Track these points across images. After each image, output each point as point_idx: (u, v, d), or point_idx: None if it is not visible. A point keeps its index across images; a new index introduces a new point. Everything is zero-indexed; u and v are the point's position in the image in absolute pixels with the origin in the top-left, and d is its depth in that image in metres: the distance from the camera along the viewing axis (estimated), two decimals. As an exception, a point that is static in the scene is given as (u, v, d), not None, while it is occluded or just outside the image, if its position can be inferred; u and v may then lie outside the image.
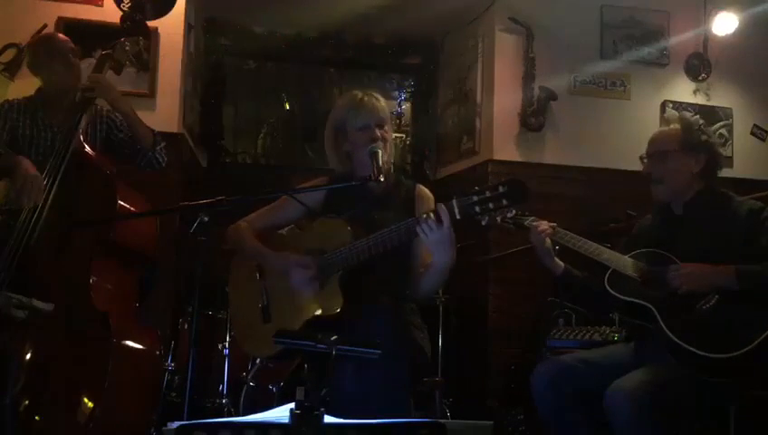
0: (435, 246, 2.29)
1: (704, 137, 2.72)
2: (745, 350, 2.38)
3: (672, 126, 2.77)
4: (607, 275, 2.68)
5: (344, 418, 1.44)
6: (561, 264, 2.78)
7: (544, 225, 2.73)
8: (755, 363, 2.42)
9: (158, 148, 3.31)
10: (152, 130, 3.33)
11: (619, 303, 2.65)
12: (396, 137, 6.01)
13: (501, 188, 2.09)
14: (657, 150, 2.76)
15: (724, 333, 2.44)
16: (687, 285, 2.51)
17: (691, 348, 2.43)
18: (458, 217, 2.16)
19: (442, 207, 2.19)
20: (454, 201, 2.16)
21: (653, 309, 2.54)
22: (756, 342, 2.38)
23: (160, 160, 3.34)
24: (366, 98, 2.62)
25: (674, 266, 2.56)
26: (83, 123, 3.07)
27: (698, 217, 2.69)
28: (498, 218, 2.12)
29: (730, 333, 2.43)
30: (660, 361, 2.50)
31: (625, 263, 2.66)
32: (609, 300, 2.67)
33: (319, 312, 2.41)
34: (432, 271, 2.43)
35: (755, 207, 2.64)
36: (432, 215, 2.20)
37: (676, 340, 2.46)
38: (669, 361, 2.48)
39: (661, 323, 2.51)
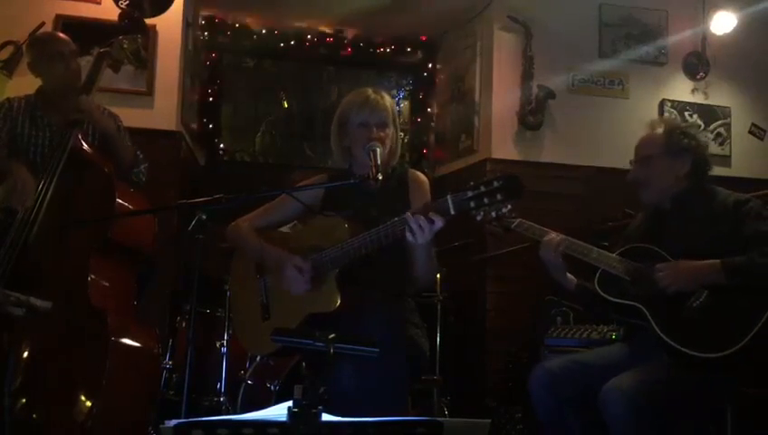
0: (419, 246, 2.29)
1: (686, 140, 2.71)
2: (737, 347, 2.38)
3: (656, 130, 2.78)
4: (597, 277, 2.67)
5: (342, 416, 1.44)
6: (574, 279, 2.79)
7: (556, 237, 2.71)
8: (748, 360, 2.42)
9: (136, 169, 3.28)
10: (134, 151, 3.29)
11: (610, 304, 2.64)
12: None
13: (496, 183, 2.08)
14: (642, 155, 2.77)
15: (716, 331, 2.44)
16: (675, 285, 2.51)
17: (683, 348, 2.43)
18: (453, 212, 2.14)
19: (444, 203, 2.18)
20: (448, 197, 2.15)
21: (643, 309, 2.54)
22: (747, 338, 2.38)
23: (137, 181, 3.30)
24: (372, 96, 2.61)
25: (660, 266, 2.56)
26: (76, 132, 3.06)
27: (686, 211, 2.69)
28: (493, 213, 2.11)
29: (721, 330, 2.43)
30: (655, 359, 2.50)
31: (613, 262, 2.65)
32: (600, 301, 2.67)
33: (317, 309, 2.41)
34: (415, 264, 2.42)
35: (741, 198, 2.65)
36: (423, 216, 2.18)
37: (667, 340, 2.46)
38: (664, 359, 2.48)
39: (652, 323, 2.51)
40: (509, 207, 2.11)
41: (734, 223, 2.58)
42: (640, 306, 2.55)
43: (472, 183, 2.12)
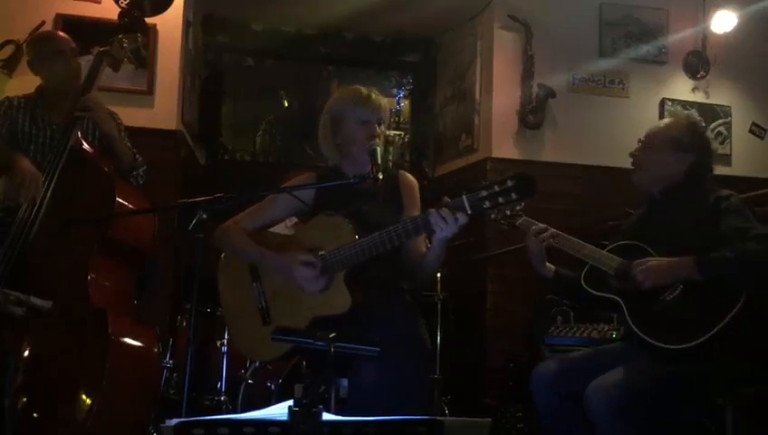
0: (440, 241, 2.30)
1: (696, 139, 2.74)
2: (702, 339, 2.38)
3: (674, 120, 2.86)
4: (584, 272, 2.72)
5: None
6: (552, 267, 2.83)
7: (544, 231, 2.76)
8: (718, 353, 2.42)
9: (134, 172, 3.29)
10: (133, 153, 3.30)
11: (591, 296, 2.69)
12: (394, 134, 6.02)
13: (510, 182, 2.10)
14: (649, 138, 2.81)
15: (685, 323, 2.45)
16: (650, 281, 2.51)
17: (649, 339, 2.46)
18: (469, 211, 2.17)
19: (459, 203, 2.19)
20: (464, 196, 2.16)
21: (621, 302, 2.59)
22: (714, 330, 2.38)
23: (134, 184, 3.30)
24: (372, 95, 2.60)
25: (638, 262, 2.57)
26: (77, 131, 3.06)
27: (673, 207, 2.72)
28: (507, 211, 2.14)
29: (690, 322, 2.44)
30: (641, 357, 2.52)
31: (602, 257, 2.68)
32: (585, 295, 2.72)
33: (326, 312, 2.37)
34: (429, 258, 2.43)
35: (722, 194, 2.66)
36: (448, 210, 2.19)
37: (638, 332, 2.50)
38: (645, 356, 2.50)
39: (627, 316, 2.55)
40: (522, 205, 2.14)
41: (713, 219, 2.59)
42: (618, 299, 2.60)
43: (485, 182, 2.14)
